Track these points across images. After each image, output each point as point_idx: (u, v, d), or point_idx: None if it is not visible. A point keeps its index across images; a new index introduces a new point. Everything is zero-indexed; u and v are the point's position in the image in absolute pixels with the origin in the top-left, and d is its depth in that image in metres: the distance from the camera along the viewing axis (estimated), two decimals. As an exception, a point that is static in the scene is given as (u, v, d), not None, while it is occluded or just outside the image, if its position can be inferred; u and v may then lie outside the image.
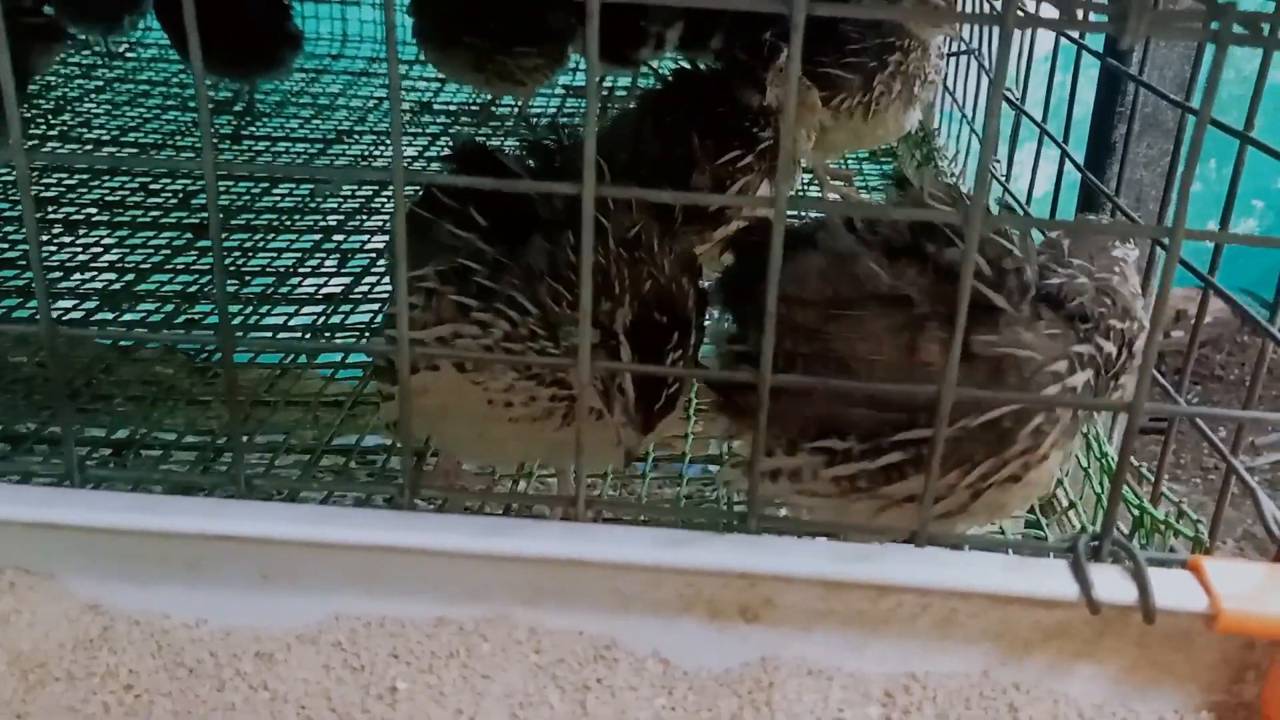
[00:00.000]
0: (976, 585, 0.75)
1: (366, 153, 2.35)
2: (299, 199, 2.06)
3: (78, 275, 1.70)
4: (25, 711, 0.73)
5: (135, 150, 2.29)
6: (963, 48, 1.91)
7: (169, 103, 2.58)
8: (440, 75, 2.62)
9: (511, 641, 0.77)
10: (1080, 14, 0.70)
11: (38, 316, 0.78)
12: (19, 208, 1.93)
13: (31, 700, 0.73)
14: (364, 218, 1.98)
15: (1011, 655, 0.77)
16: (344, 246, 1.85)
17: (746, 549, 0.76)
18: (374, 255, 1.80)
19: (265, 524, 0.77)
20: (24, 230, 1.83)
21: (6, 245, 1.80)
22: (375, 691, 0.75)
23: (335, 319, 1.58)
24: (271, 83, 2.64)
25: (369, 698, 0.75)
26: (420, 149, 2.41)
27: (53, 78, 2.75)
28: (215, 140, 2.37)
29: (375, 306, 1.60)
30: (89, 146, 2.30)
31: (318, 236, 1.89)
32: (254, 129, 2.46)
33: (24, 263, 1.72)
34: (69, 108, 2.58)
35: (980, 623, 0.76)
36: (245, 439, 1.27)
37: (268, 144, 2.38)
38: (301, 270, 1.75)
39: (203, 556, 0.78)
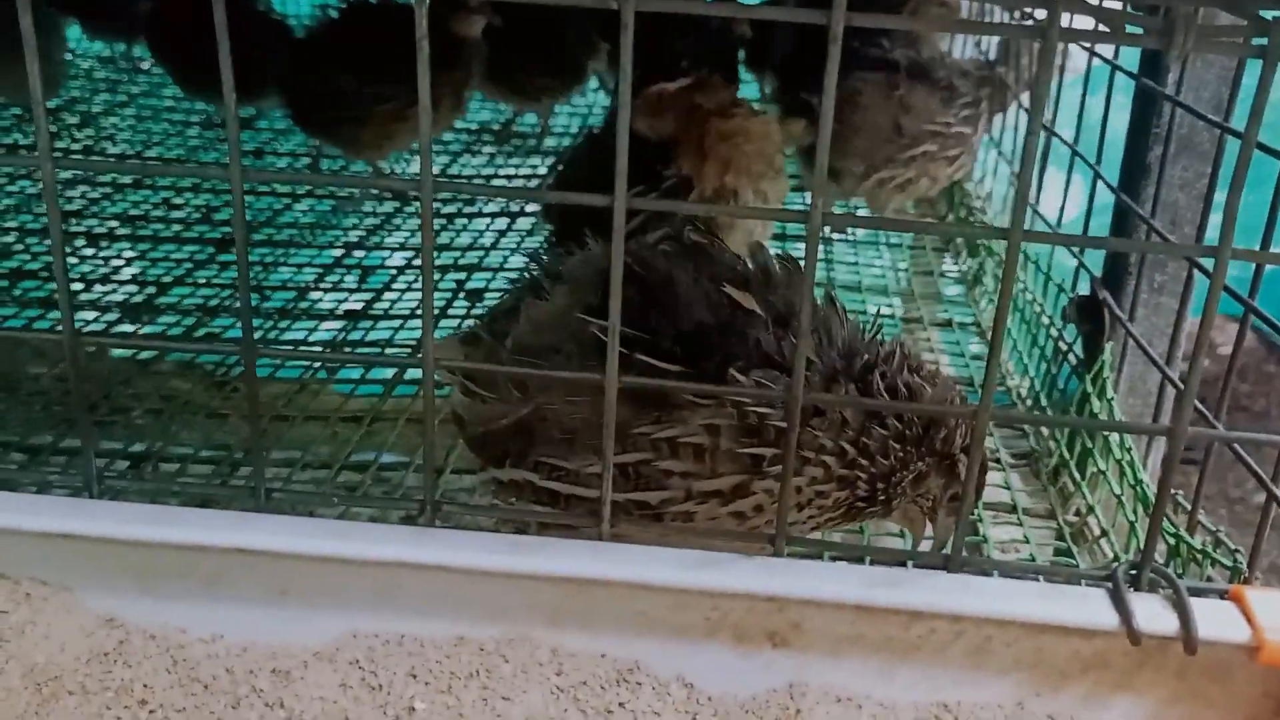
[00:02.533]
0: (1012, 613, 0.73)
1: (386, 169, 2.35)
2: (320, 214, 2.06)
3: (99, 287, 1.70)
4: (37, 726, 0.71)
5: (158, 164, 2.30)
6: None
7: (192, 118, 2.59)
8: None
9: (533, 663, 0.75)
10: (1125, 28, 0.69)
11: (59, 328, 0.77)
12: (42, 219, 1.95)
13: (45, 714, 0.72)
14: (385, 234, 1.98)
15: (1047, 686, 0.75)
16: (365, 263, 1.85)
17: (775, 572, 0.75)
18: (395, 271, 1.79)
19: (285, 538, 0.76)
20: (47, 242, 1.85)
21: (29, 257, 1.80)
22: (393, 712, 0.73)
23: (355, 335, 1.57)
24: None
25: (387, 717, 0.73)
26: (442, 166, 2.41)
27: (77, 92, 2.77)
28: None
29: (396, 323, 1.60)
30: (112, 160, 2.31)
31: (339, 252, 1.88)
32: (276, 146, 2.46)
33: (46, 274, 1.72)
34: (93, 122, 2.59)
35: (1015, 652, 0.74)
36: (264, 453, 1.26)
37: (290, 159, 2.38)
38: (322, 285, 1.74)
39: (221, 571, 0.77)
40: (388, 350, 1.53)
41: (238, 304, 1.65)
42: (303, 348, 1.51)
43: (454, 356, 0.99)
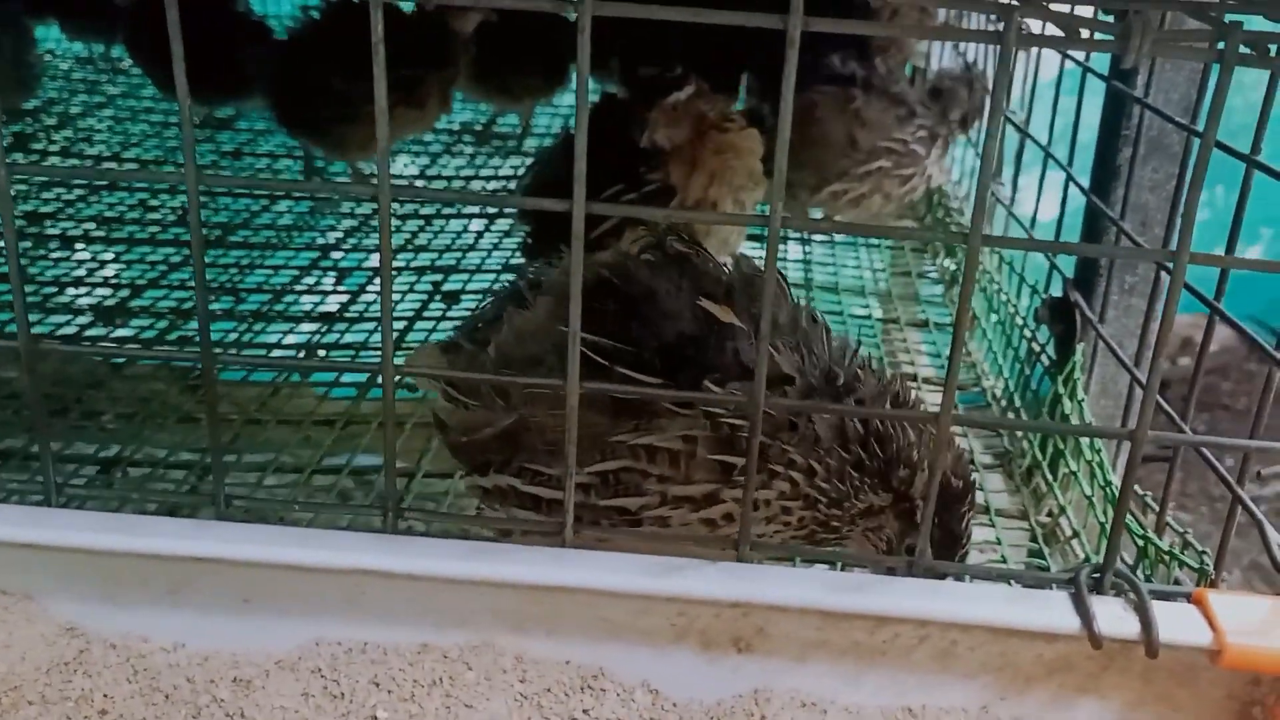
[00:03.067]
0: (976, 617, 0.73)
1: (365, 170, 2.34)
2: (297, 216, 2.05)
3: (72, 290, 1.69)
4: (-4, 737, 0.71)
5: (135, 166, 2.29)
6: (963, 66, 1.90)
7: (171, 119, 2.58)
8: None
9: (496, 670, 0.75)
10: (1084, 34, 0.69)
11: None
12: (17, 223, 1.94)
13: (3, 725, 0.71)
14: (362, 235, 1.97)
15: (1012, 689, 0.75)
16: (341, 265, 1.84)
17: (740, 578, 0.74)
18: (371, 273, 1.79)
19: (246, 546, 0.75)
20: (22, 245, 1.84)
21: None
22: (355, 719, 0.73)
23: (330, 337, 1.56)
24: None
25: (349, 727, 0.72)
26: (421, 168, 2.40)
27: (55, 93, 2.75)
28: (217, 157, 2.39)
29: (371, 325, 1.59)
30: (89, 162, 2.30)
31: (315, 254, 1.88)
32: (254, 147, 2.45)
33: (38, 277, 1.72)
34: (71, 123, 2.57)
35: (980, 655, 0.74)
36: (235, 458, 1.25)
37: (269, 160, 2.38)
38: (298, 288, 1.73)
39: (183, 579, 0.76)
40: (361, 353, 1.52)
41: (214, 306, 1.64)
42: (275, 352, 1.50)
43: (435, 363, 0.99)
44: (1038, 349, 1.29)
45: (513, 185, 2.22)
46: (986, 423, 0.74)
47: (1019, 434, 1.28)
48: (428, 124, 1.97)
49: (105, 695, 0.73)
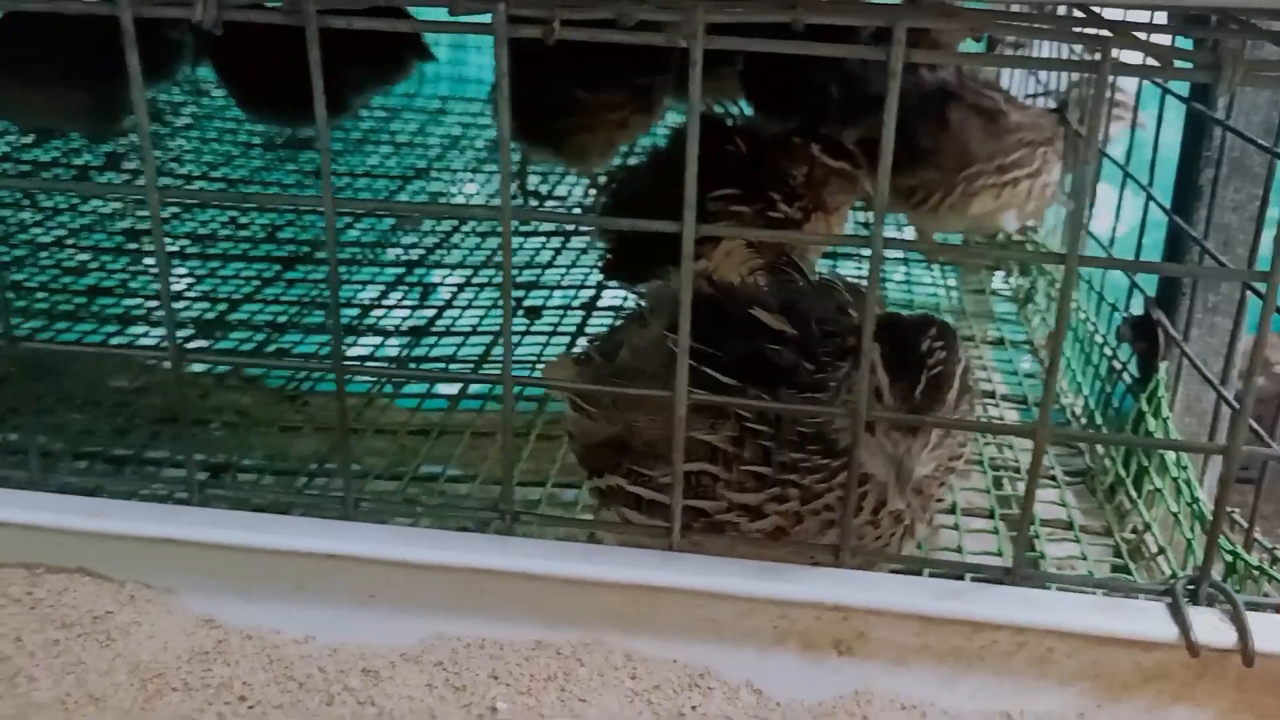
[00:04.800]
0: (1074, 625, 0.75)
1: (444, 190, 2.41)
2: (380, 233, 2.12)
3: (174, 304, 1.77)
4: (144, 719, 0.76)
5: (224, 185, 2.38)
6: (1040, 90, 1.92)
7: (254, 139, 2.67)
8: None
9: (608, 667, 0.79)
10: (1174, 64, 0.71)
11: (164, 344, 0.82)
12: (116, 238, 2.03)
13: (150, 709, 0.77)
14: (443, 253, 2.03)
15: (1108, 697, 0.77)
16: (426, 280, 1.90)
17: (841, 582, 0.78)
18: (456, 289, 1.85)
19: (374, 545, 0.80)
20: (122, 259, 1.92)
21: (105, 274, 1.87)
22: (476, 711, 0.77)
23: (419, 350, 1.62)
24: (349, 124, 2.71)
25: (470, 716, 0.77)
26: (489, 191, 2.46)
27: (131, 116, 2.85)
28: (300, 176, 2.47)
29: (459, 339, 1.64)
30: (181, 181, 2.39)
31: (400, 270, 1.94)
32: (335, 166, 2.53)
33: (121, 291, 1.80)
34: (159, 144, 2.67)
35: (1076, 662, 0.76)
36: (334, 465, 1.31)
37: (349, 179, 2.45)
38: (385, 302, 1.80)
39: (312, 575, 0.81)
40: (451, 366, 1.58)
41: (307, 320, 1.71)
42: (378, 364, 1.56)
43: (569, 375, 1.06)
44: (1119, 367, 1.31)
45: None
46: (1082, 436, 0.76)
47: (1100, 450, 1.30)
48: (649, 127, 2.04)
49: (244, 682, 0.78)
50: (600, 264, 1.65)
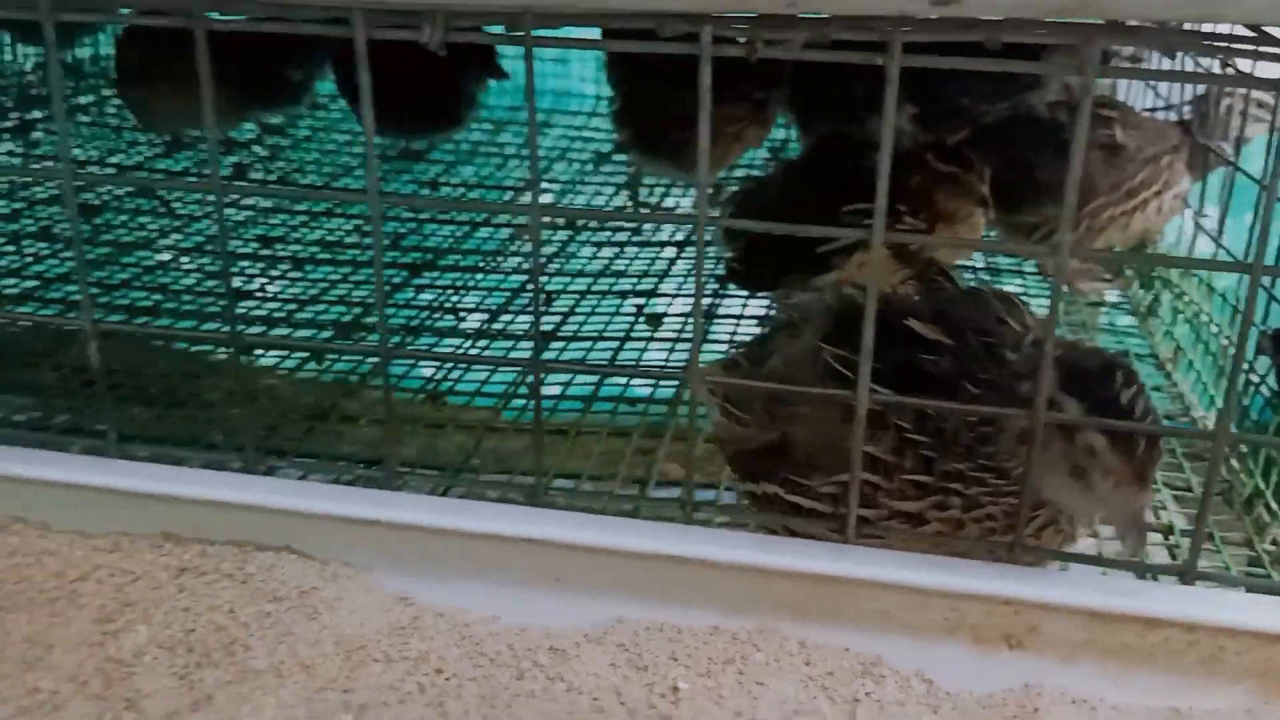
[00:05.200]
0: (1246, 623, 0.77)
1: (556, 201, 2.47)
2: (500, 241, 2.19)
3: (311, 308, 1.85)
4: (350, 687, 0.81)
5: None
6: (1161, 104, 1.92)
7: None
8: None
9: (783, 653, 0.82)
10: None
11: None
12: (251, 245, 2.13)
13: (355, 678, 0.82)
14: (562, 261, 2.09)
15: (1276, 694, 0.78)
16: (548, 288, 1.96)
17: (1012, 577, 0.80)
18: (579, 296, 1.90)
19: (561, 529, 0.85)
20: (257, 266, 2.02)
21: (246, 279, 1.96)
22: (659, 690, 0.81)
23: (549, 355, 1.67)
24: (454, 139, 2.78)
25: (654, 695, 0.81)
26: (606, 198, 2.52)
27: (252, 129, 2.97)
28: (416, 187, 2.56)
29: (587, 344, 1.69)
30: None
31: (523, 278, 2.00)
32: (449, 177, 2.62)
33: (262, 294, 1.88)
34: (281, 155, 2.78)
35: (1246, 661, 0.78)
36: (479, 462, 1.36)
37: (463, 190, 2.53)
38: (511, 309, 1.86)
39: (500, 557, 0.86)
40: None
41: (437, 324, 1.78)
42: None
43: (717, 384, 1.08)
44: (1256, 380, 1.31)
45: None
46: (1267, 441, 0.80)
47: (1237, 464, 1.30)
48: (761, 140, 2.09)
49: (439, 656, 0.83)
50: (724, 271, 1.69)
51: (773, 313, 1.70)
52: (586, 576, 0.85)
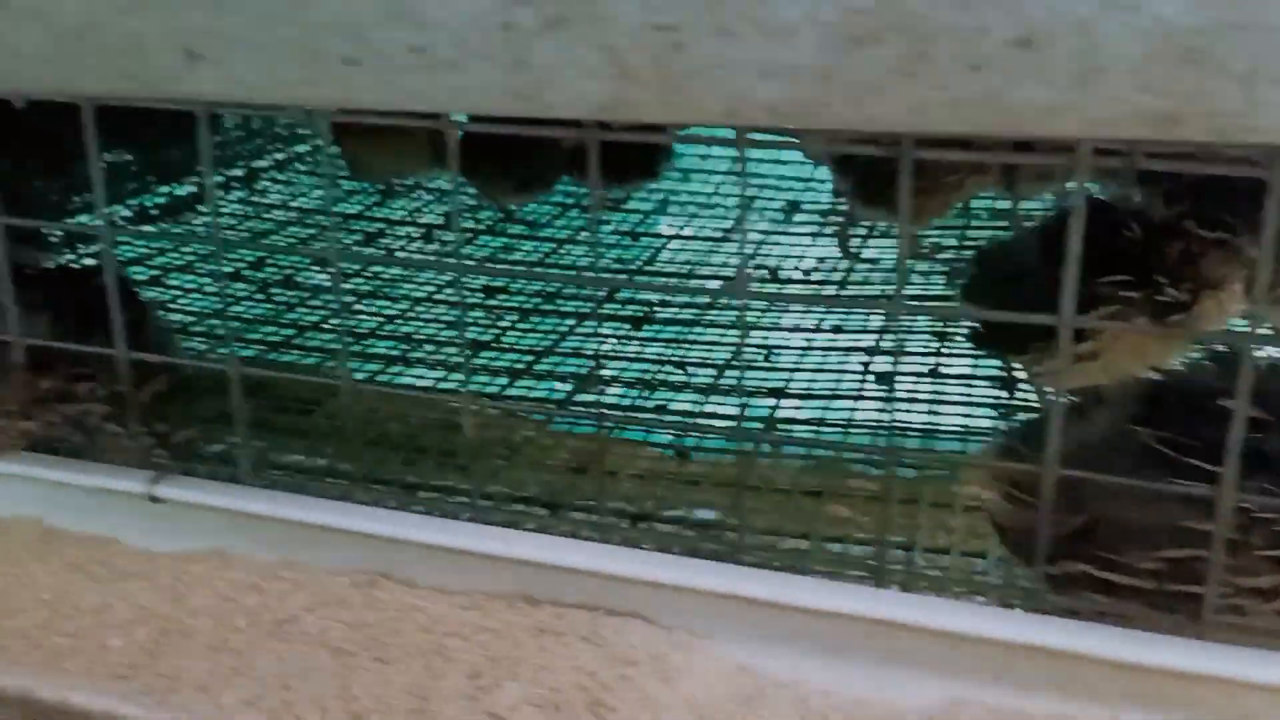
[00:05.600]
0: None
1: (752, 250, 2.51)
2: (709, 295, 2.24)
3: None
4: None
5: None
6: None
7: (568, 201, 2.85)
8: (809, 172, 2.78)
9: (1134, 746, 0.84)
10: None
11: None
12: (476, 295, 2.23)
13: (711, 744, 0.87)
14: (776, 315, 2.13)
15: None
16: (767, 343, 2.00)
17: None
18: (800, 351, 1.93)
19: (901, 610, 0.89)
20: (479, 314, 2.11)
21: (482, 330, 2.05)
22: (1005, 771, 0.83)
23: (782, 412, 1.72)
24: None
25: (1001, 777, 0.83)
26: (802, 249, 2.55)
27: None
28: (618, 238, 2.64)
29: (820, 403, 1.73)
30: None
31: (737, 334, 2.05)
32: (647, 226, 2.69)
33: (497, 345, 1.98)
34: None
35: None
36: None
37: (664, 240, 2.61)
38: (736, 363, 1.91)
39: (841, 634, 0.90)
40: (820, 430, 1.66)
41: (674, 378, 1.84)
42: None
43: (1000, 468, 1.08)
44: None
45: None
46: None
47: None
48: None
49: (786, 726, 0.88)
50: (970, 333, 1.70)
51: (1023, 381, 1.70)
52: (925, 656, 0.88)
